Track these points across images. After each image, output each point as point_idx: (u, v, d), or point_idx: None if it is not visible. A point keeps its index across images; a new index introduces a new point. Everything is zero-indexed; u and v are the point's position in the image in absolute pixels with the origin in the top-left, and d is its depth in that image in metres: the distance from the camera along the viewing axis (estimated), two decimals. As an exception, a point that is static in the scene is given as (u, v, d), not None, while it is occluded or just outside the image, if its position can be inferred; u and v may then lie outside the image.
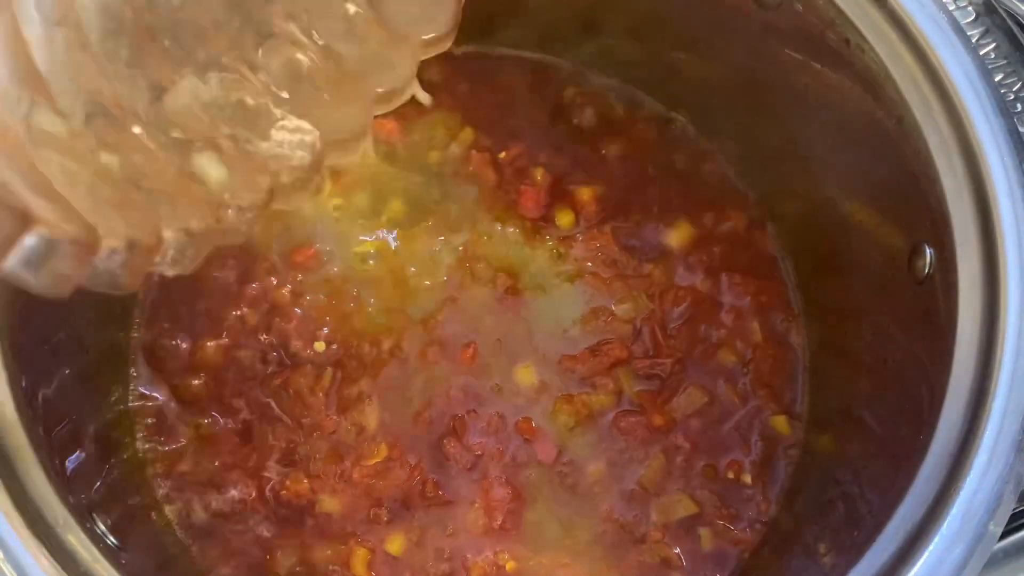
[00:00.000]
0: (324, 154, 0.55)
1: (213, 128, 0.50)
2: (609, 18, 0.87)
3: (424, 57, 0.57)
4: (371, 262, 0.87)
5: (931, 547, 0.56)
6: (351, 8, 0.51)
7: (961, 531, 0.56)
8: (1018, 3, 0.80)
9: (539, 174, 0.90)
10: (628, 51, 0.89)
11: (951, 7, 0.77)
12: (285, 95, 0.52)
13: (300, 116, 0.53)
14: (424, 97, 0.58)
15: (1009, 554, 0.71)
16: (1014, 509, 0.57)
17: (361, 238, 0.88)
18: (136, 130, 0.48)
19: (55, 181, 0.45)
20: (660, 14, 0.83)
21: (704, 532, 0.81)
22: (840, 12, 0.66)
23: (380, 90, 0.56)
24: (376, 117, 0.89)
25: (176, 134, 0.49)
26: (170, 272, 0.52)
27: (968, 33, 0.71)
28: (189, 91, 0.49)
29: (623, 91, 0.93)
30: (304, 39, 0.51)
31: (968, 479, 0.56)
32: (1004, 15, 0.80)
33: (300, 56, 0.52)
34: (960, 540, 0.56)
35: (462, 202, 0.89)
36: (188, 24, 0.48)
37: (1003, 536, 0.70)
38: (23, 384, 0.63)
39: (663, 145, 0.92)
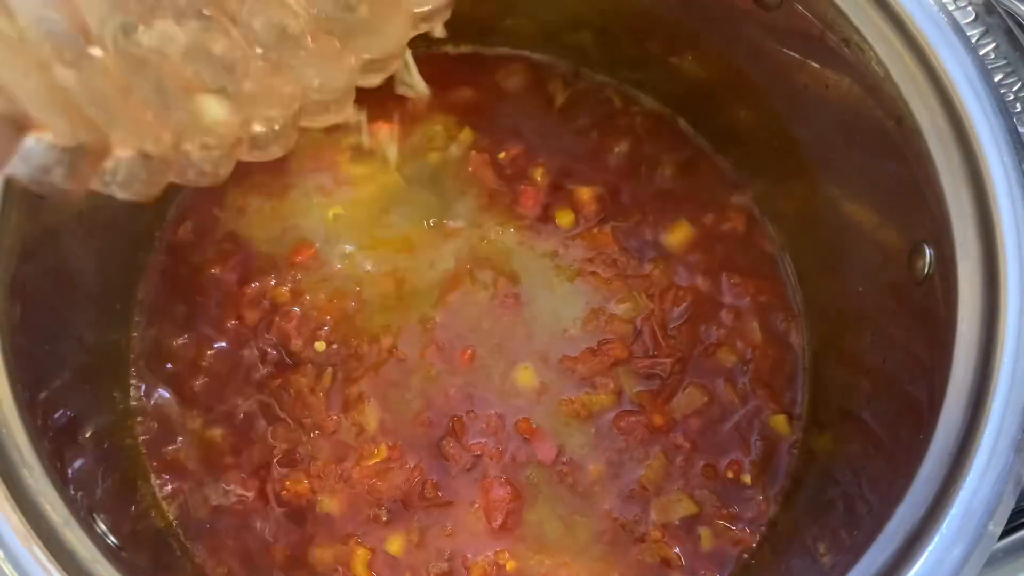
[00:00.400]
0: (301, 113, 0.54)
1: (186, 71, 0.49)
2: (609, 18, 0.87)
3: (416, 32, 0.56)
4: (371, 262, 0.87)
5: (931, 547, 0.56)
6: None
7: (961, 531, 0.56)
8: (1018, 3, 0.80)
9: (539, 174, 0.90)
10: (628, 51, 0.89)
11: (951, 7, 0.77)
12: (266, 52, 0.51)
13: (280, 73, 0.52)
14: (421, 87, 0.57)
15: (1009, 553, 0.71)
16: (1013, 508, 0.57)
17: (361, 238, 0.88)
18: (97, 54, 0.46)
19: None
20: (660, 14, 0.83)
21: (704, 532, 0.81)
22: (840, 12, 0.66)
23: (367, 57, 0.54)
24: (375, 120, 0.89)
25: (149, 73, 0.48)
26: (120, 194, 0.50)
27: (968, 33, 0.71)
28: (164, 34, 0.48)
29: (623, 91, 0.93)
30: (292, 2, 0.51)
31: (968, 479, 0.56)
32: (1004, 15, 0.80)
33: (286, 17, 0.51)
34: (960, 540, 0.56)
35: (462, 203, 0.89)
36: None
37: (1003, 535, 0.70)
38: (23, 384, 0.63)
39: (663, 145, 0.92)
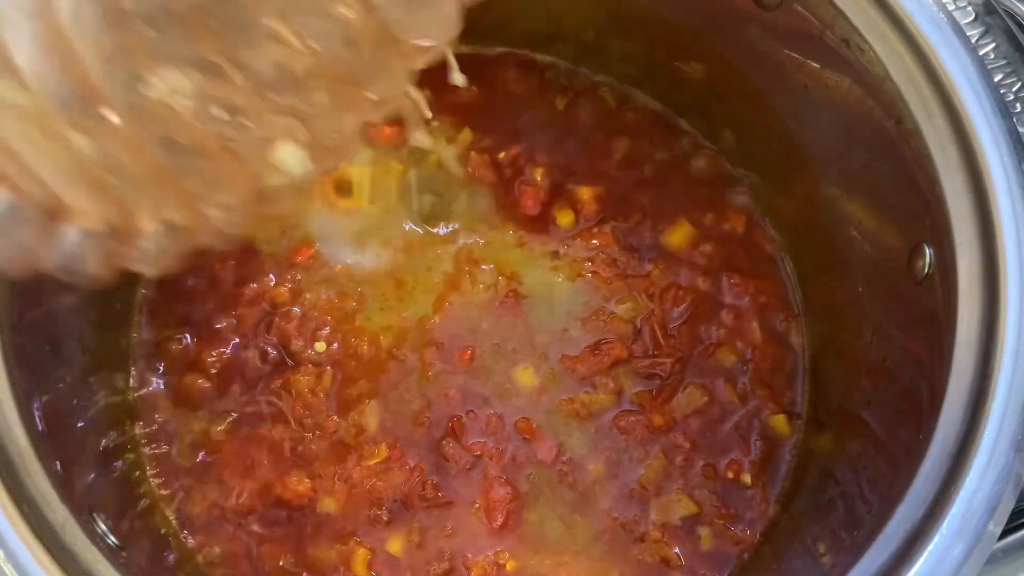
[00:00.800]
0: (317, 159, 0.54)
1: (199, 126, 0.48)
2: (609, 18, 0.87)
3: (420, 67, 0.56)
4: (371, 262, 0.87)
5: (931, 547, 0.56)
6: (346, 11, 0.49)
7: (961, 531, 0.56)
8: (1018, 3, 0.80)
9: (539, 174, 0.90)
10: (628, 51, 0.89)
11: (951, 7, 0.77)
12: (274, 97, 0.49)
13: (290, 119, 0.51)
14: (460, 79, 0.56)
15: (1009, 553, 0.71)
16: (1013, 508, 0.57)
17: (361, 238, 0.88)
18: (112, 117, 0.45)
19: (19, 150, 0.44)
20: (660, 14, 0.83)
21: (704, 532, 0.81)
22: (840, 12, 0.66)
23: (373, 97, 0.55)
24: (376, 122, 0.88)
25: (159, 128, 0.47)
26: (145, 270, 0.49)
27: (968, 33, 0.71)
28: (170, 83, 0.46)
29: (622, 91, 0.93)
30: (295, 41, 0.49)
31: (968, 479, 0.56)
32: (1004, 15, 0.80)
33: (291, 59, 0.49)
34: (960, 540, 0.56)
35: (462, 203, 0.89)
36: (173, 15, 0.46)
37: (1003, 535, 0.70)
38: (23, 384, 0.63)
39: (663, 144, 0.92)
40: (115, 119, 0.45)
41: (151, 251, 0.49)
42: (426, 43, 0.54)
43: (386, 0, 0.49)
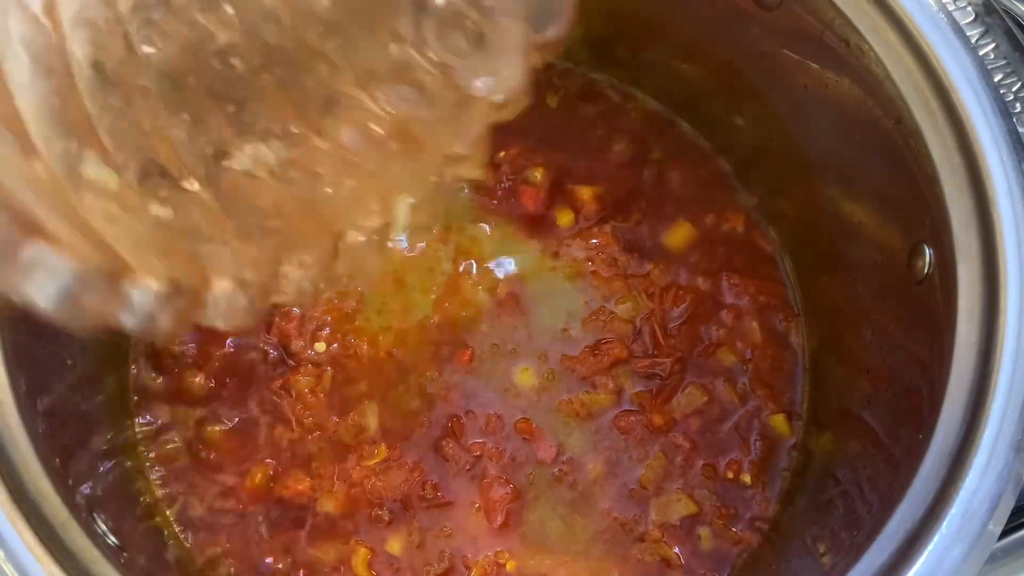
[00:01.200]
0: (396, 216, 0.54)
1: (279, 190, 0.48)
2: (609, 18, 0.87)
3: (493, 121, 0.57)
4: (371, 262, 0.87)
5: (930, 547, 0.56)
6: (424, 76, 0.50)
7: (960, 531, 0.56)
8: (1018, 3, 0.80)
9: (538, 174, 0.90)
10: (628, 50, 0.89)
11: (951, 7, 0.77)
12: (354, 161, 0.50)
13: (369, 180, 0.51)
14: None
15: (1009, 553, 0.71)
16: (1013, 507, 0.57)
17: (361, 238, 0.88)
18: (194, 187, 0.46)
19: (94, 221, 0.44)
20: (660, 14, 0.83)
21: (704, 532, 0.81)
22: (840, 12, 0.66)
23: (448, 154, 0.55)
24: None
25: (241, 196, 0.48)
26: (222, 325, 0.50)
27: (968, 33, 0.71)
28: (255, 156, 0.47)
29: (623, 90, 0.93)
30: (373, 106, 0.49)
31: (967, 479, 0.56)
32: (1004, 15, 0.80)
33: (370, 124, 0.50)
34: (959, 540, 0.56)
35: (461, 203, 0.89)
36: (253, 90, 0.46)
37: (1003, 535, 0.70)
38: (23, 384, 0.63)
39: (663, 145, 0.92)
40: (197, 190, 0.46)
41: (223, 308, 0.50)
42: (499, 98, 0.55)
43: (460, 62, 0.49)
